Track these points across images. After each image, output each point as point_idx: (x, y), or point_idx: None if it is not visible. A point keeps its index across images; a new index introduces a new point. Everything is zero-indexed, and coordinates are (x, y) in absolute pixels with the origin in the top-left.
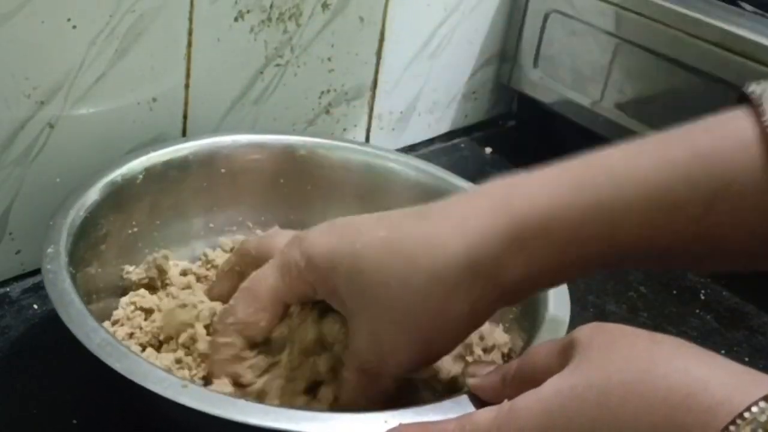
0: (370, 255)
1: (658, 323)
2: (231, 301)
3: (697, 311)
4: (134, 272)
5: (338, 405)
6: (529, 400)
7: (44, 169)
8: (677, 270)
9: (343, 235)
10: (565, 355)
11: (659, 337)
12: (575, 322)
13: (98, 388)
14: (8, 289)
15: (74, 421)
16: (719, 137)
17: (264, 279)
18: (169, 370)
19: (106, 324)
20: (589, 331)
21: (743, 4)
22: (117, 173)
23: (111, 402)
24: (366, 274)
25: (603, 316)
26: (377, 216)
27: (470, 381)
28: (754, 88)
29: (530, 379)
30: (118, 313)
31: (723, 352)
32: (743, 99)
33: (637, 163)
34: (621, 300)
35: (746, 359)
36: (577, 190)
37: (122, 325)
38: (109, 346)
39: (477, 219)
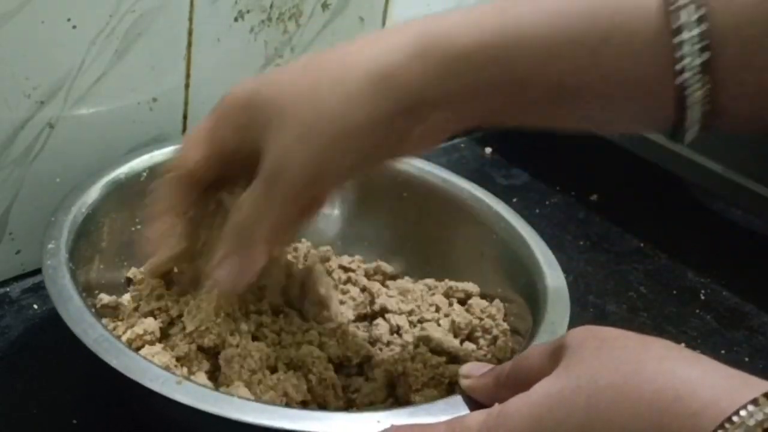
0: (288, 75)
1: (658, 323)
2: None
3: (697, 311)
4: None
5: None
6: (519, 403)
7: (44, 169)
8: (677, 270)
9: (266, 74)
10: (556, 357)
11: (649, 339)
12: (575, 322)
13: (98, 387)
14: (8, 289)
15: (74, 421)
16: None
17: (198, 125)
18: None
19: (106, 321)
20: (580, 333)
21: None
22: (120, 171)
23: (111, 402)
24: (280, 91)
25: (603, 316)
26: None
27: (464, 382)
28: None
29: (523, 381)
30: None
31: (723, 352)
32: None
33: (540, 4)
34: (621, 300)
35: (746, 359)
36: (480, 15)
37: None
38: (107, 343)
39: (389, 38)
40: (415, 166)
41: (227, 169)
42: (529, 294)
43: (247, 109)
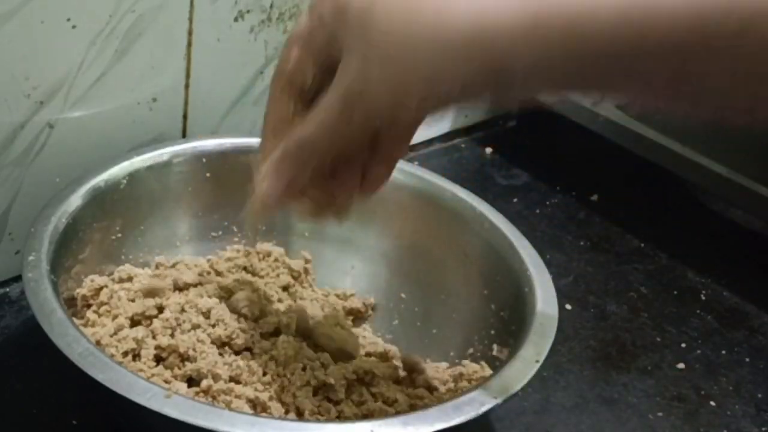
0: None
1: (658, 323)
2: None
3: (698, 311)
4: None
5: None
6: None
7: (44, 169)
8: (677, 270)
9: None
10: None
11: None
12: (575, 322)
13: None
14: (8, 290)
15: (74, 422)
16: None
17: (295, 29)
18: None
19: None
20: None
21: None
22: (100, 179)
23: None
24: (377, 8)
25: (603, 316)
26: None
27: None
28: None
29: None
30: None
31: (723, 352)
32: None
33: None
34: (621, 300)
35: (746, 359)
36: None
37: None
38: (92, 356)
39: None
40: (404, 170)
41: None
42: (515, 296)
43: (342, 8)
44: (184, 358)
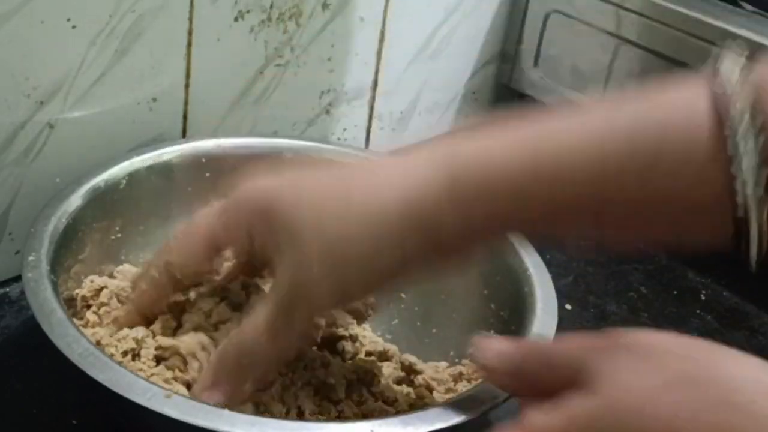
0: (310, 191)
1: (658, 323)
2: (170, 241)
3: (698, 311)
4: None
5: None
6: (552, 419)
7: (44, 169)
8: (677, 270)
9: (287, 177)
10: (586, 371)
11: (694, 351)
12: (575, 322)
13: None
14: (8, 290)
15: (74, 422)
16: (668, 99)
17: (202, 218)
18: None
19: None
20: (613, 345)
21: (743, 4)
22: (99, 179)
23: None
24: (302, 207)
25: (603, 316)
26: (327, 167)
27: (479, 357)
28: (715, 54)
29: (549, 383)
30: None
31: None
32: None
33: (581, 125)
34: (621, 300)
35: None
36: (518, 149)
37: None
38: (92, 357)
39: (417, 170)
40: None
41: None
42: (515, 296)
43: (265, 214)
44: (186, 362)
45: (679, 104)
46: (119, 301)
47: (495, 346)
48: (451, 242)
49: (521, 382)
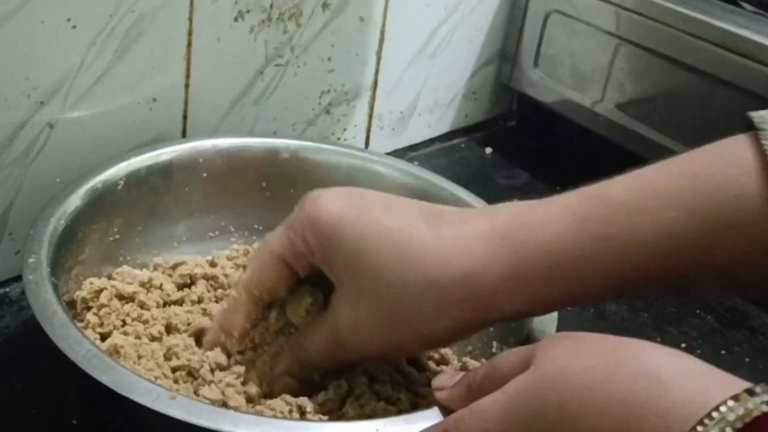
0: (374, 242)
1: (658, 323)
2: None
3: (698, 311)
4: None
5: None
6: (492, 399)
7: (44, 169)
8: None
9: (354, 208)
10: (528, 359)
11: (625, 340)
12: (575, 322)
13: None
14: (8, 290)
15: (74, 422)
16: (722, 164)
17: (272, 238)
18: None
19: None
20: (554, 337)
21: (743, 4)
22: (97, 180)
23: None
24: (364, 259)
25: (603, 316)
26: (392, 201)
27: (439, 395)
28: (758, 114)
29: (497, 386)
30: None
31: (723, 352)
32: (749, 125)
33: (639, 195)
34: (621, 300)
35: (746, 359)
36: (579, 227)
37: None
38: (95, 358)
39: (480, 244)
40: (401, 169)
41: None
42: None
43: (327, 241)
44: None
45: (731, 164)
46: (122, 298)
47: (446, 380)
48: (506, 317)
49: (475, 392)
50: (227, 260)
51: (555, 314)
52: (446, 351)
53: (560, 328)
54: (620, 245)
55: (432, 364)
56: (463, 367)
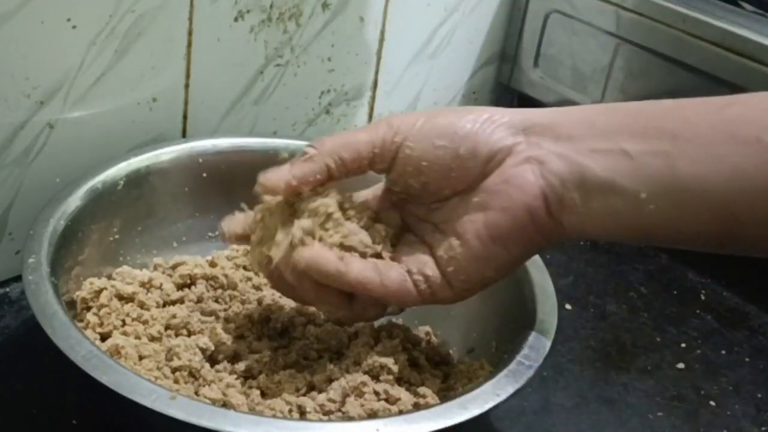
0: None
1: (658, 323)
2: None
3: (698, 311)
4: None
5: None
6: None
7: (44, 169)
8: (677, 270)
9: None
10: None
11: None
12: (575, 322)
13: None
14: (8, 290)
15: (74, 422)
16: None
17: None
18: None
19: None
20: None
21: (743, 4)
22: (97, 180)
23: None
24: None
25: (603, 316)
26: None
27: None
28: None
29: None
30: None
31: (723, 352)
32: None
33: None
34: (621, 300)
35: (746, 359)
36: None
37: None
38: (95, 359)
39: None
40: None
41: None
42: (514, 294)
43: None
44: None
45: None
46: (122, 298)
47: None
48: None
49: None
50: (227, 260)
51: (555, 315)
52: (447, 352)
53: (560, 328)
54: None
55: (432, 365)
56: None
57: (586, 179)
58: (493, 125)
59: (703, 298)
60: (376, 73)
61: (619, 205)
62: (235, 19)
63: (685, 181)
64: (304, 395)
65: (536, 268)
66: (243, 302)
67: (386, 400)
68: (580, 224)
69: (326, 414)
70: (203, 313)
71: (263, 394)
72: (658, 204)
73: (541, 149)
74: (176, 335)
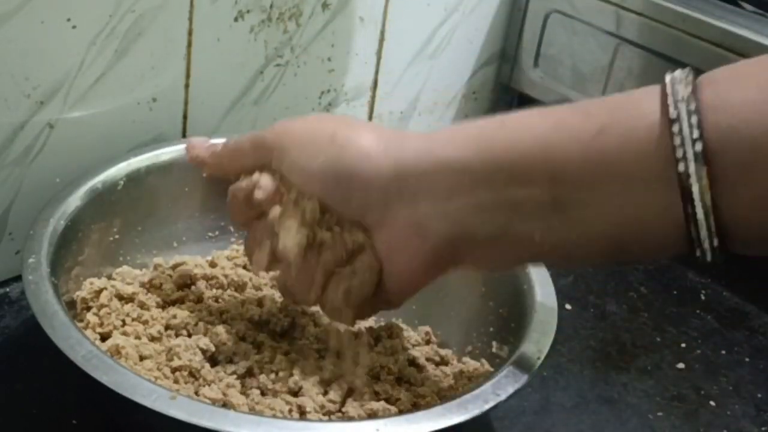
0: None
1: (658, 323)
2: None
3: (698, 311)
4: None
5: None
6: None
7: (44, 169)
8: (677, 270)
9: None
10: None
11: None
12: (575, 322)
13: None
14: (8, 290)
15: (74, 422)
16: (623, 102)
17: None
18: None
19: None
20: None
21: (743, 4)
22: (97, 180)
23: None
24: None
25: (603, 316)
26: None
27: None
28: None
29: None
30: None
31: (723, 352)
32: None
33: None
34: (621, 300)
35: (747, 359)
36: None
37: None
38: (95, 359)
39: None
40: None
41: None
42: (514, 294)
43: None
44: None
45: (632, 103)
46: (122, 298)
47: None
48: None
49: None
50: (227, 260)
51: (555, 315)
52: (446, 352)
53: (560, 328)
54: (511, 144)
55: (432, 365)
56: (460, 374)
57: (474, 235)
58: (365, 192)
59: (703, 298)
60: (376, 73)
61: (510, 247)
62: (235, 19)
63: (574, 223)
64: (304, 395)
65: (536, 268)
66: (243, 302)
67: (386, 400)
68: (479, 262)
69: (326, 414)
70: (203, 313)
71: (263, 394)
72: (549, 241)
73: (417, 212)
74: (176, 335)
